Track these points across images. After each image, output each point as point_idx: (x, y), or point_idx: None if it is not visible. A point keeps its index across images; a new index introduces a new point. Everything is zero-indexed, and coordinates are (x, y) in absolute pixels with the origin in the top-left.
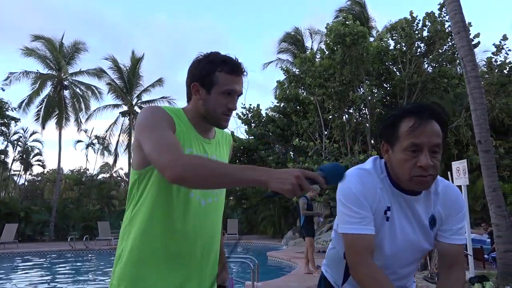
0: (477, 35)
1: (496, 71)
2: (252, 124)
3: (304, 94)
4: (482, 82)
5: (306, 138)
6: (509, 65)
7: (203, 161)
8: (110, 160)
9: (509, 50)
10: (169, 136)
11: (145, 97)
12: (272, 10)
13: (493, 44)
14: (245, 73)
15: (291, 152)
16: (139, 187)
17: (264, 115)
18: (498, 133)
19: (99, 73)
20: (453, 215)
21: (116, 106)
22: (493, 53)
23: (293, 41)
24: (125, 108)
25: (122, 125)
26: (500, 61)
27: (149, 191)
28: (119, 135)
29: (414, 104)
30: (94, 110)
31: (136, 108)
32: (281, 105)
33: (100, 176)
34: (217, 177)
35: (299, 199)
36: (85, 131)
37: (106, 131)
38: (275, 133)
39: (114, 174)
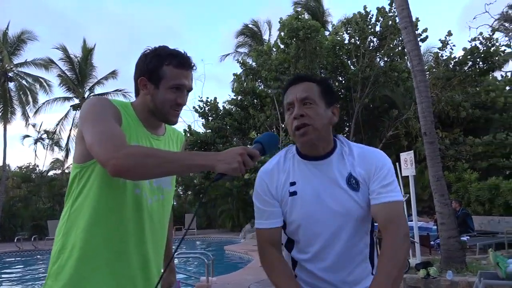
0: (425, 30)
1: (442, 65)
2: (209, 118)
3: (261, 87)
4: (429, 76)
5: (263, 131)
6: (454, 60)
7: (148, 150)
8: (61, 155)
9: (454, 45)
10: (114, 127)
11: (98, 90)
12: (229, 0)
13: (439, 40)
14: (194, 68)
15: (248, 145)
16: (80, 181)
17: (221, 108)
18: (444, 125)
19: (47, 64)
20: (375, 173)
21: (67, 99)
22: (439, 48)
23: (251, 33)
24: (76, 101)
25: (73, 119)
26: (446, 56)
27: (91, 186)
28: (70, 130)
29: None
30: (43, 103)
31: None
32: (238, 98)
33: (50, 173)
34: (163, 165)
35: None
36: (33, 125)
37: (56, 126)
38: (233, 126)
39: (66, 171)
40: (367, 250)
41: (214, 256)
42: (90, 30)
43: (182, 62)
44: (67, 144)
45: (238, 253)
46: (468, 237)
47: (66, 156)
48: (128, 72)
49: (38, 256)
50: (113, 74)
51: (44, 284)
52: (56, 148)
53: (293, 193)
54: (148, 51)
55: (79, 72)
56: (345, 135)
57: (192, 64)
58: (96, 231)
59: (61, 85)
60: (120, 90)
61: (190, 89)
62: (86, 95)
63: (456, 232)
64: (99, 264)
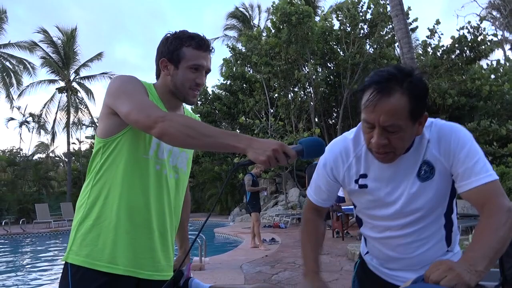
0: (415, 20)
1: (430, 53)
2: (198, 102)
3: (251, 72)
4: (417, 64)
5: (252, 116)
6: (442, 48)
7: (190, 121)
8: (46, 139)
9: (442, 34)
10: (150, 100)
11: (84, 73)
12: None
13: (428, 28)
14: (212, 50)
15: (237, 130)
16: (103, 155)
17: (210, 93)
18: (430, 112)
19: (31, 46)
20: (455, 156)
21: (52, 81)
22: (427, 37)
23: (241, 17)
24: (62, 84)
25: (59, 102)
26: (434, 44)
27: (115, 159)
28: (56, 113)
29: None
30: (28, 86)
31: (75, 84)
32: (228, 83)
33: (36, 157)
34: (200, 137)
35: (244, 176)
36: (18, 108)
37: (42, 109)
38: (222, 111)
39: (52, 154)
40: (442, 232)
41: (205, 238)
42: (71, 11)
43: (201, 44)
44: (53, 127)
45: (228, 235)
46: None
47: (52, 139)
48: (111, 54)
49: (28, 240)
50: (98, 56)
51: (68, 251)
52: (41, 132)
53: (363, 186)
54: (169, 35)
55: (63, 55)
56: (333, 121)
57: (211, 46)
58: (120, 202)
59: (44, 66)
60: (106, 73)
61: (208, 70)
62: (71, 78)
63: None
64: (122, 233)
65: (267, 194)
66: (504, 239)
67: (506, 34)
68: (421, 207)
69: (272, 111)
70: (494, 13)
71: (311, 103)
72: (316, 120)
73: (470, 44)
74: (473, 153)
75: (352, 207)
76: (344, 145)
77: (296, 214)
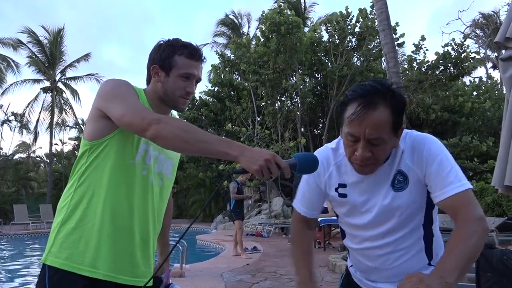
0: (402, 35)
1: (415, 68)
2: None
3: (239, 79)
4: (402, 78)
5: (239, 123)
6: (427, 64)
7: (186, 125)
8: (28, 139)
9: (427, 49)
10: (143, 104)
11: (70, 73)
12: None
13: (413, 44)
14: (204, 60)
15: (223, 137)
16: (89, 158)
17: (197, 98)
18: (414, 126)
19: (16, 44)
20: (427, 167)
21: (36, 81)
22: (413, 52)
23: (231, 25)
24: (47, 83)
25: (43, 102)
26: (419, 59)
27: (101, 163)
28: (40, 113)
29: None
30: (11, 84)
31: (60, 85)
32: (215, 90)
33: (16, 156)
34: (194, 142)
35: (229, 183)
36: (0, 106)
37: (26, 108)
38: (208, 117)
39: (33, 155)
40: (421, 243)
41: (187, 245)
42: (59, 11)
43: (193, 53)
44: (35, 127)
45: (210, 243)
46: None
47: (35, 139)
48: (99, 56)
49: (3, 241)
50: (86, 57)
51: (46, 252)
52: (24, 131)
53: (343, 195)
54: (162, 42)
55: (49, 54)
56: (318, 131)
57: (203, 56)
58: (104, 205)
59: (30, 65)
60: (93, 75)
61: (199, 79)
62: (57, 78)
63: None
64: (104, 237)
65: (251, 202)
66: (475, 247)
67: (488, 53)
68: (395, 216)
69: (258, 119)
70: (478, 31)
71: (298, 113)
72: (302, 130)
73: (454, 60)
74: (446, 164)
75: (333, 218)
76: (326, 155)
77: (279, 223)
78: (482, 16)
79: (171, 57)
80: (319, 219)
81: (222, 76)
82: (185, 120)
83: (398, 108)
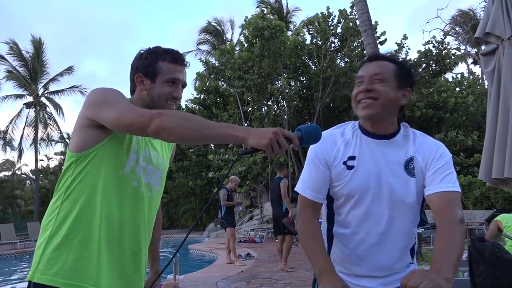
0: (383, 33)
1: None
2: None
3: (224, 86)
4: None
5: None
6: (409, 62)
7: (186, 114)
8: (12, 156)
9: (409, 48)
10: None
11: (53, 87)
12: None
13: (396, 43)
14: (187, 64)
15: (211, 144)
16: (75, 170)
17: (184, 107)
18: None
19: None
20: (433, 162)
21: (19, 96)
22: (395, 51)
23: (213, 32)
24: (30, 99)
25: (27, 118)
26: (402, 58)
27: (87, 175)
28: (23, 129)
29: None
30: None
31: (43, 99)
32: (201, 97)
33: (1, 175)
34: (199, 129)
35: (220, 190)
36: None
37: (9, 124)
38: None
39: (18, 172)
40: (409, 240)
41: (179, 255)
42: (36, 24)
43: (177, 58)
44: (20, 144)
45: (203, 252)
46: (423, 229)
47: (19, 156)
48: (80, 68)
49: None
50: (69, 70)
51: (33, 269)
52: (7, 148)
53: (351, 167)
54: (143, 51)
55: (31, 68)
56: None
57: (186, 61)
58: (93, 219)
59: (10, 80)
60: (77, 87)
61: (184, 84)
62: (40, 93)
63: None
64: (93, 252)
65: (242, 208)
66: (460, 246)
67: (468, 49)
68: (401, 199)
69: (246, 124)
70: (457, 28)
71: (285, 117)
72: None
73: (435, 57)
74: (449, 166)
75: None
76: (331, 134)
77: (271, 228)
78: (461, 13)
79: (155, 64)
80: None
81: (208, 84)
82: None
83: (404, 67)
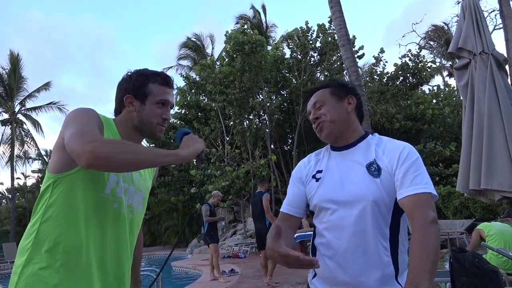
0: (361, 47)
1: (376, 80)
2: None
3: (205, 100)
4: (365, 90)
5: (208, 144)
6: (387, 75)
7: (121, 140)
8: None
9: (386, 62)
10: (94, 128)
11: (30, 104)
12: (163, 13)
13: (373, 56)
14: (175, 87)
15: (193, 159)
16: (54, 191)
17: None
18: None
19: None
20: (399, 164)
21: None
22: (373, 64)
23: (193, 47)
24: (5, 116)
25: (2, 135)
26: (379, 71)
27: (66, 197)
28: None
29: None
30: None
31: (20, 116)
32: (182, 112)
33: None
34: (136, 155)
35: (202, 206)
36: None
37: None
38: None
39: None
40: (386, 252)
41: (162, 273)
42: (12, 39)
43: (167, 81)
44: None
45: (186, 269)
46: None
47: None
48: (57, 84)
49: None
50: (46, 86)
51: None
52: None
53: (318, 179)
54: (131, 72)
55: (7, 85)
56: (288, 147)
57: (174, 83)
58: (73, 243)
59: None
60: (55, 103)
61: (172, 105)
62: (16, 109)
63: None
64: (74, 277)
65: (226, 223)
66: (435, 248)
67: (443, 62)
68: (364, 197)
69: (228, 139)
70: (432, 43)
71: (267, 130)
72: (272, 146)
73: (412, 70)
74: (418, 167)
75: (309, 233)
76: (308, 156)
77: (255, 242)
78: (435, 28)
79: (145, 86)
80: (296, 235)
81: (189, 98)
82: (147, 144)
83: (334, 82)
